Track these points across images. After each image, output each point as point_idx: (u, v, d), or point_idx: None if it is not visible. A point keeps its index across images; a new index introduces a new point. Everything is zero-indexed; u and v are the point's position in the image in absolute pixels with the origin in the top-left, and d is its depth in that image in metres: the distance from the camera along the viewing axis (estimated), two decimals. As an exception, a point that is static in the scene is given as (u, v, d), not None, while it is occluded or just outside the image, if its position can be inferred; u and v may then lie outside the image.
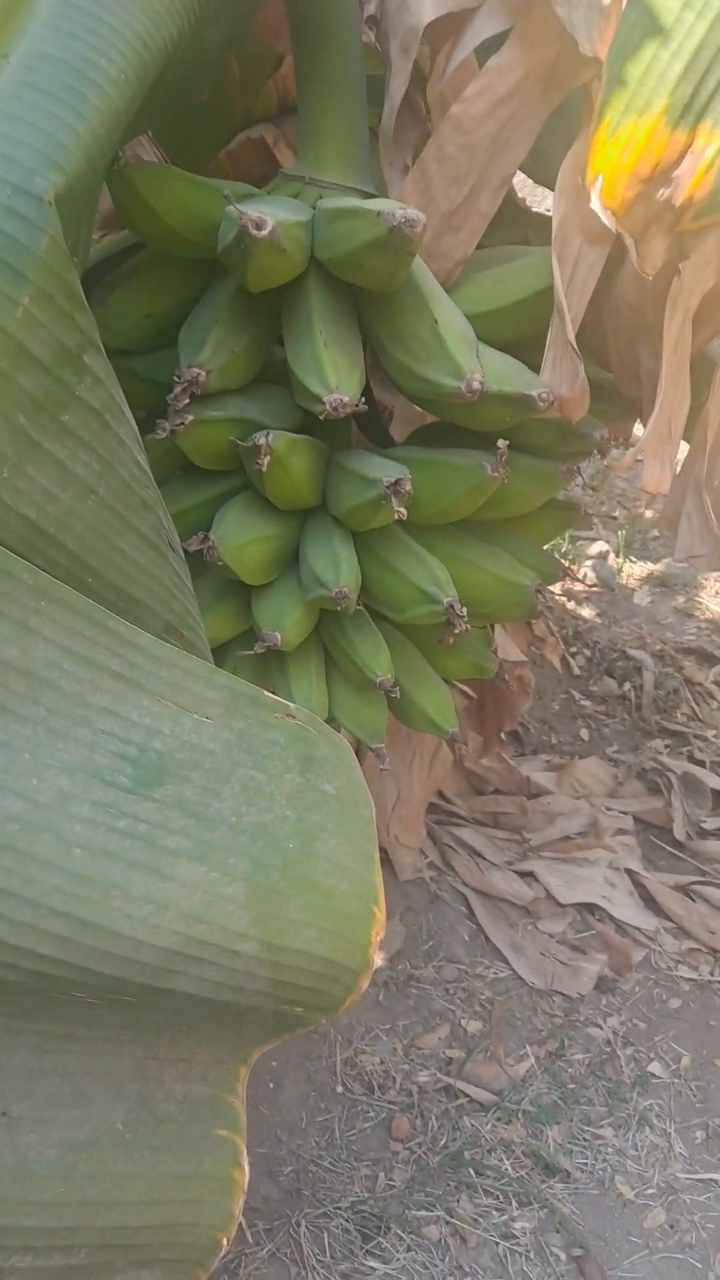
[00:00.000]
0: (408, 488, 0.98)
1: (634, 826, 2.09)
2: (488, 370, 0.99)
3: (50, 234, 0.66)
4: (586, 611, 2.83)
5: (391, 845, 1.91)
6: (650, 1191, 1.53)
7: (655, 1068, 1.73)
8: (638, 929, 1.93)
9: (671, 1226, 1.50)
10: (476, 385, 0.95)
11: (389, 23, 1.01)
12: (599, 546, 3.07)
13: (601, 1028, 1.78)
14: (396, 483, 0.98)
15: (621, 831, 2.05)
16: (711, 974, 1.87)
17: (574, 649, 2.65)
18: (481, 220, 1.05)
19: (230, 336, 1.00)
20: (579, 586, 2.83)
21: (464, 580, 1.11)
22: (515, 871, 1.98)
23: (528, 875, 1.98)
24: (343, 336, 1.00)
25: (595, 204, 0.77)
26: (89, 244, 0.82)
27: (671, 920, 1.96)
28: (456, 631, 1.08)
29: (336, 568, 1.04)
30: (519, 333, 1.10)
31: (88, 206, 0.76)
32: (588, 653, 2.65)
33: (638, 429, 1.21)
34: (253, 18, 0.97)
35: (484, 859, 2.00)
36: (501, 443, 1.01)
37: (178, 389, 0.97)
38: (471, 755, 1.98)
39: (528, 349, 1.09)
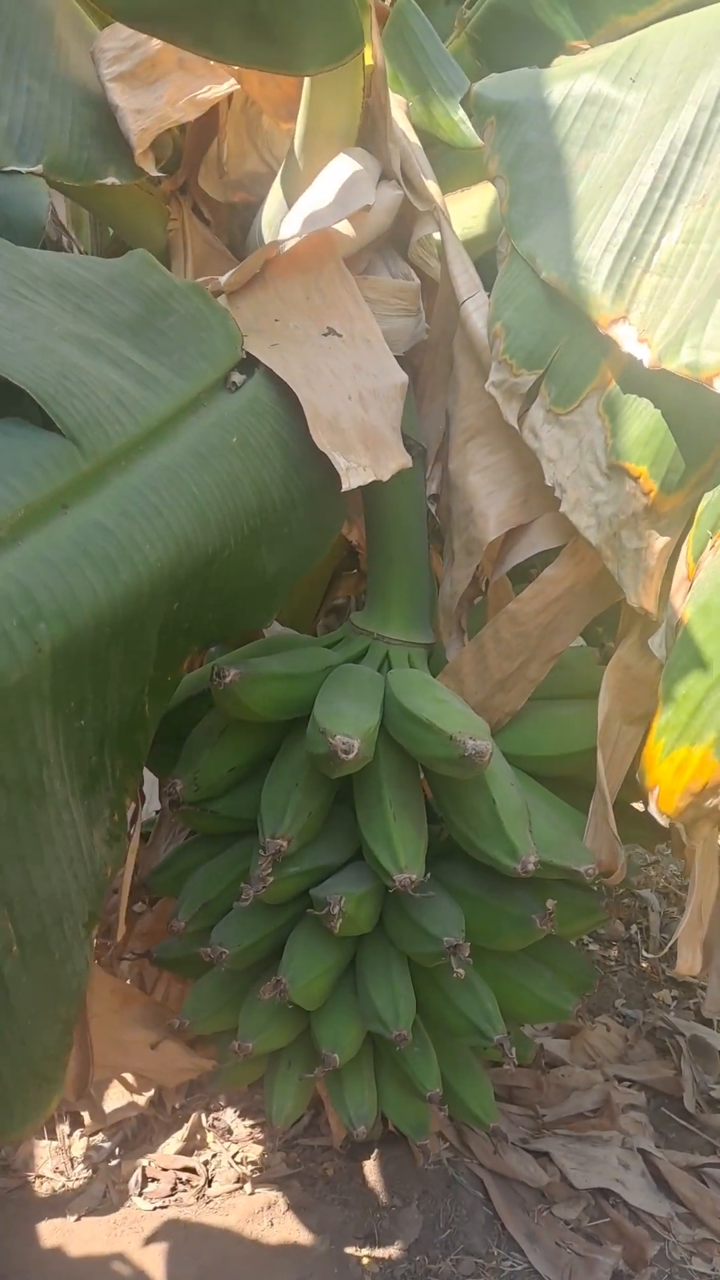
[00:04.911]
0: (466, 952, 1.07)
1: (645, 1099, 2.14)
2: (539, 839, 1.09)
3: (47, 682, 0.70)
4: (592, 838, 2.92)
5: (411, 1129, 1.95)
6: None
7: None
8: (651, 1215, 1.96)
9: None
10: (531, 866, 1.06)
11: (455, 523, 1.15)
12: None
13: (619, 1335, 1.80)
14: (456, 946, 1.07)
15: (633, 1108, 2.10)
16: (724, 1269, 1.89)
17: (581, 884, 2.73)
18: (530, 684, 1.17)
19: (307, 800, 1.10)
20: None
21: (510, 999, 1.19)
22: (530, 1151, 2.01)
23: (542, 1155, 2.01)
24: (409, 802, 1.11)
25: (652, 808, 0.89)
26: (124, 702, 0.83)
27: (684, 1205, 1.99)
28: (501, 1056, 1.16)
29: (396, 1007, 1.12)
30: (558, 772, 1.21)
31: (101, 667, 0.78)
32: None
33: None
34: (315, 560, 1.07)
35: (500, 1136, 2.03)
36: (550, 903, 1.11)
37: (263, 860, 1.06)
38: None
39: (564, 784, 1.21)
